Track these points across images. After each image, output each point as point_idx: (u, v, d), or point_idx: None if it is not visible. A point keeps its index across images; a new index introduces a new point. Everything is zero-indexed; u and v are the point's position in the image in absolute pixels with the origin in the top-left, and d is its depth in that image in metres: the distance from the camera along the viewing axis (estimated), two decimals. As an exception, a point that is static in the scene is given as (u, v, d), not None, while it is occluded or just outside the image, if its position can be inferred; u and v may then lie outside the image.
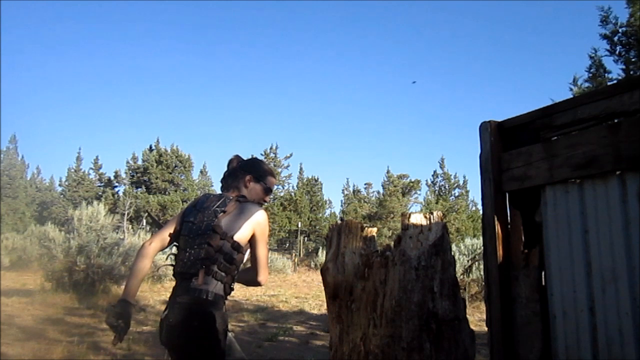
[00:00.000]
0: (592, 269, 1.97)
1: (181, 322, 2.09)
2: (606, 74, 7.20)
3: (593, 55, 7.30)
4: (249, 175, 2.47)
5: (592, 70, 7.30)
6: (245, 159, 2.57)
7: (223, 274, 2.16)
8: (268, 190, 2.53)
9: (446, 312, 2.30)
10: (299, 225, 28.33)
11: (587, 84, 7.30)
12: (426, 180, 31.95)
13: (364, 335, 2.42)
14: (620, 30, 6.96)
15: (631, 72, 6.87)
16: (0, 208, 29.68)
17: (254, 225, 2.26)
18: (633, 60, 6.96)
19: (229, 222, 2.23)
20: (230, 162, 2.52)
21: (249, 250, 2.29)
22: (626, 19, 6.90)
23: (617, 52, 7.10)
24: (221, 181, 2.51)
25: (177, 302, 2.12)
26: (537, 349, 2.15)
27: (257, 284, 2.32)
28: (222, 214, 2.25)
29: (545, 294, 2.16)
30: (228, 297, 2.27)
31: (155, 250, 2.24)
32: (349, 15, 66.22)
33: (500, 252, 2.32)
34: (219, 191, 2.56)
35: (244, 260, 2.31)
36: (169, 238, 2.27)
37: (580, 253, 2.02)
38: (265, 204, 2.58)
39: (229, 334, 2.27)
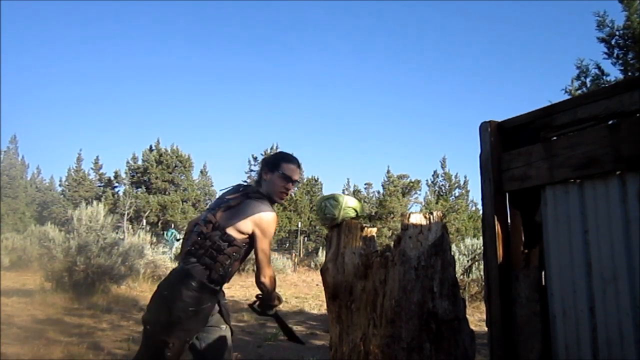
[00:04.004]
0: (592, 269, 1.97)
1: (158, 287, 2.35)
2: (604, 77, 7.20)
3: (582, 61, 7.31)
4: (265, 168, 2.53)
5: (588, 73, 7.30)
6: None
7: (209, 260, 2.25)
8: (285, 177, 2.47)
9: (446, 312, 2.30)
10: (299, 225, 28.32)
11: (584, 87, 7.31)
12: (426, 181, 31.86)
13: (364, 335, 2.41)
14: (617, 33, 6.94)
15: (629, 74, 6.86)
16: (0, 208, 29.68)
17: (255, 222, 2.29)
18: (631, 62, 6.95)
19: (229, 215, 2.31)
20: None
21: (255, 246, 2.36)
22: (623, 22, 6.88)
23: (614, 55, 7.09)
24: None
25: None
26: (537, 349, 2.14)
27: (260, 284, 2.35)
28: (225, 205, 2.33)
29: (545, 294, 2.15)
30: (221, 288, 2.37)
31: None
32: (349, 15, 66.20)
33: (500, 252, 2.31)
34: (218, 191, 2.66)
35: (243, 254, 2.36)
36: None
37: (580, 253, 2.02)
38: (287, 192, 2.52)
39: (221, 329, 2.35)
